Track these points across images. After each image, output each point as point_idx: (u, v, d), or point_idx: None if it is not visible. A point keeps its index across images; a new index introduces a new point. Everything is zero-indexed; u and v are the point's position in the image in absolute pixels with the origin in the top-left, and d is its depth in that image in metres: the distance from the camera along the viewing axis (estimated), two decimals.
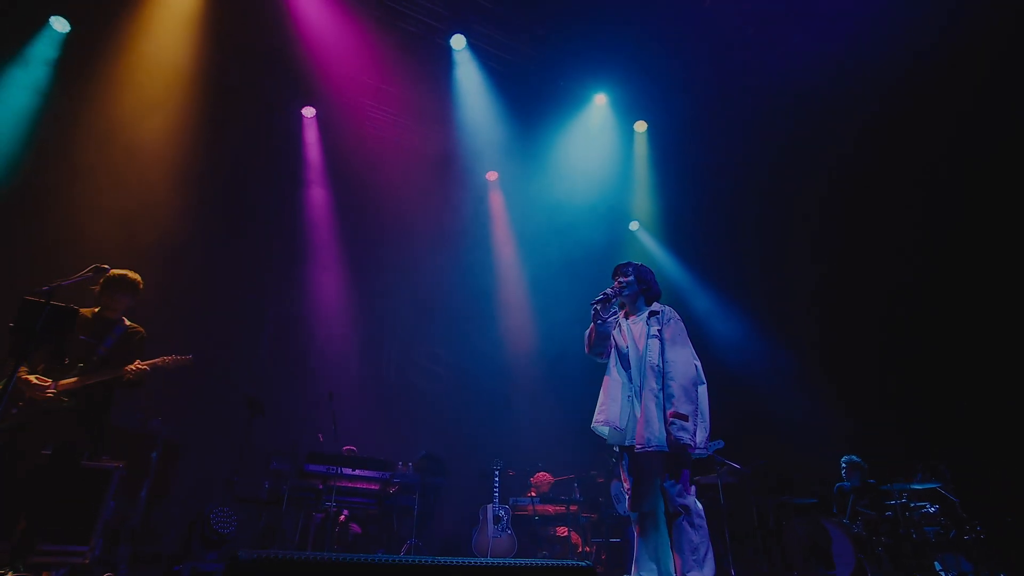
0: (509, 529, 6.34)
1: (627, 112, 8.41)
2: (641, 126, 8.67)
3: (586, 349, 3.43)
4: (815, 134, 7.03)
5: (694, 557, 2.78)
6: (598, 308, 3.29)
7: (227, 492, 5.25)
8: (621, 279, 3.41)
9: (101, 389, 3.62)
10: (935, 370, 6.04)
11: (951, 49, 5.69)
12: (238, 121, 7.56)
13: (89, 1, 6.51)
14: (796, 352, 7.45)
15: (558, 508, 6.71)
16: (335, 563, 1.60)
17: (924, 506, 5.20)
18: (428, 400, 8.92)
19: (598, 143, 8.55)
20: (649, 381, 3.08)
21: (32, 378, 3.40)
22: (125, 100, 6.76)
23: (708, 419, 3.07)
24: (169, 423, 5.26)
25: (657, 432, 2.95)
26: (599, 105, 8.27)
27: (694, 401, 3.00)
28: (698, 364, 3.19)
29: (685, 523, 2.83)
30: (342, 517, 6.01)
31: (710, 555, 2.85)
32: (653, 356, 3.13)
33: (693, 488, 2.96)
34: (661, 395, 3.03)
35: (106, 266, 3.45)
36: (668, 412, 2.96)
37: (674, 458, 2.94)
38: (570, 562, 1.86)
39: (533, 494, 6.89)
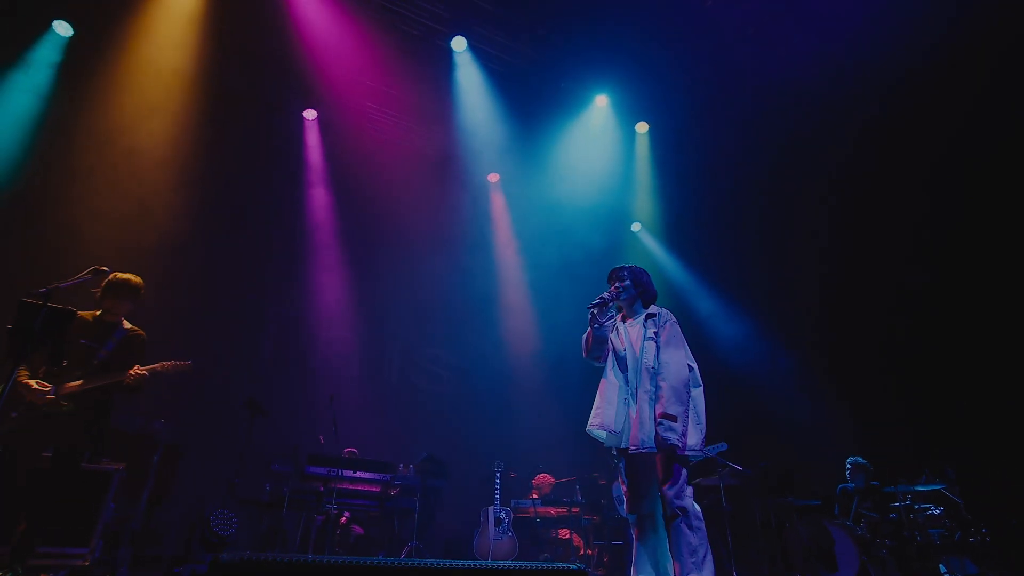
0: (510, 531, 6.32)
1: (628, 113, 8.41)
2: (642, 127, 8.66)
3: (584, 354, 3.43)
4: (816, 134, 7.01)
5: (693, 560, 2.76)
6: (595, 313, 3.28)
7: (228, 494, 5.25)
8: (617, 283, 3.40)
9: (101, 393, 3.62)
10: (939, 370, 5.99)
11: (951, 49, 5.67)
12: (239, 124, 7.59)
13: (90, 4, 6.55)
14: (798, 353, 7.42)
15: (560, 510, 6.69)
16: (316, 565, 1.59)
17: (929, 508, 5.16)
18: (429, 402, 8.92)
19: (599, 144, 8.55)
20: (644, 383, 3.08)
21: (32, 383, 3.41)
22: (125, 103, 6.79)
23: (704, 421, 3.05)
24: (170, 425, 5.27)
25: (650, 433, 2.95)
26: (600, 106, 8.27)
27: (684, 402, 2.98)
28: (694, 366, 3.17)
29: (683, 525, 2.81)
30: (344, 519, 6.01)
31: (709, 557, 2.83)
32: (649, 358, 3.13)
33: (691, 490, 2.93)
34: (655, 397, 3.02)
35: (105, 268, 3.45)
36: (657, 412, 2.96)
37: (669, 459, 2.92)
38: (561, 564, 1.85)
39: (535, 496, 6.87)
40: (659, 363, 3.09)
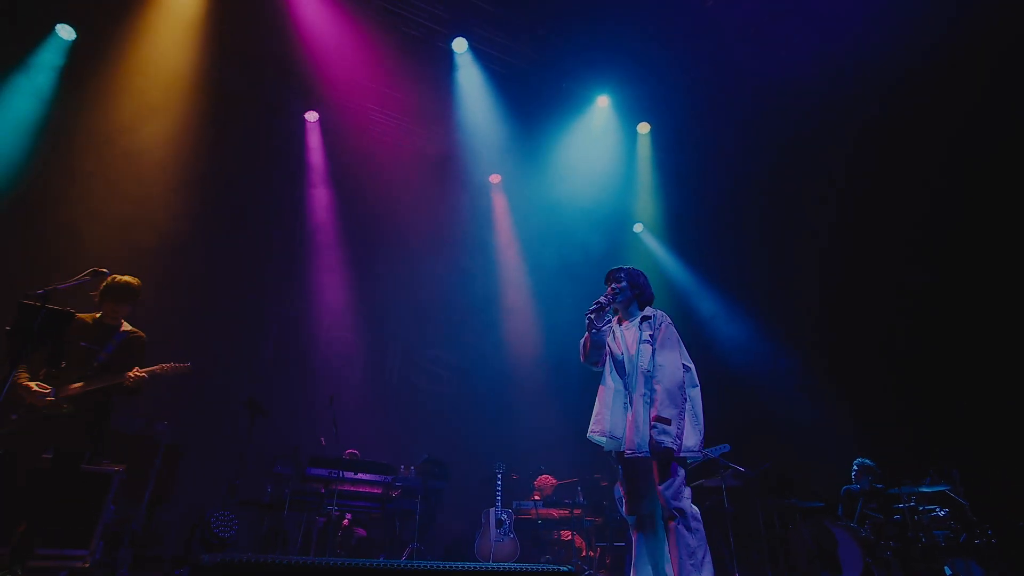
0: (512, 533, 6.30)
1: (629, 114, 8.40)
2: (644, 127, 8.66)
3: (581, 358, 3.41)
4: (816, 134, 7.01)
5: (691, 561, 2.74)
6: (592, 317, 3.26)
7: (229, 495, 5.25)
8: (614, 285, 3.38)
9: (101, 395, 3.62)
10: (940, 370, 5.98)
11: (951, 49, 5.66)
12: (239, 125, 7.60)
13: (91, 6, 6.56)
14: (800, 354, 7.41)
15: (562, 512, 6.67)
16: (300, 567, 1.58)
17: (934, 510, 5.11)
18: (430, 403, 8.92)
19: (601, 145, 8.55)
20: (640, 386, 3.06)
21: (32, 385, 3.40)
22: (126, 105, 6.81)
23: (702, 423, 3.04)
24: (170, 425, 5.27)
25: (644, 437, 2.94)
26: (601, 107, 8.27)
27: (679, 405, 2.96)
28: (691, 366, 3.16)
29: (681, 527, 2.79)
30: (346, 521, 6.00)
31: (708, 559, 2.81)
32: (644, 361, 3.11)
33: (689, 491, 2.91)
34: (650, 400, 3.01)
35: (104, 270, 3.43)
36: (651, 416, 2.95)
37: (665, 462, 2.90)
38: (552, 566, 1.85)
39: (536, 497, 6.86)
40: (654, 366, 3.08)
